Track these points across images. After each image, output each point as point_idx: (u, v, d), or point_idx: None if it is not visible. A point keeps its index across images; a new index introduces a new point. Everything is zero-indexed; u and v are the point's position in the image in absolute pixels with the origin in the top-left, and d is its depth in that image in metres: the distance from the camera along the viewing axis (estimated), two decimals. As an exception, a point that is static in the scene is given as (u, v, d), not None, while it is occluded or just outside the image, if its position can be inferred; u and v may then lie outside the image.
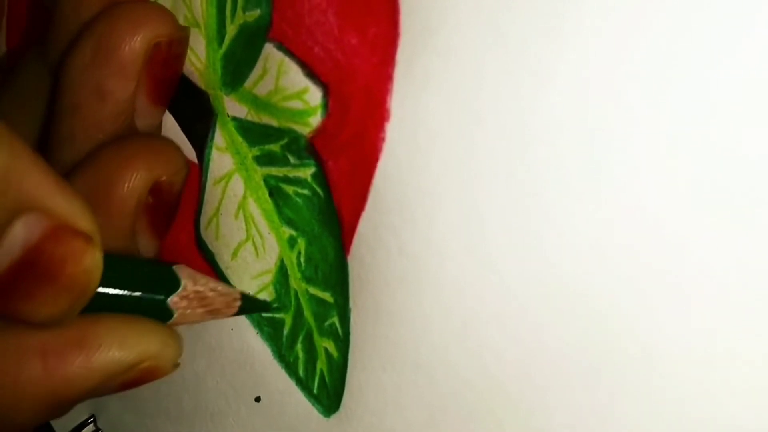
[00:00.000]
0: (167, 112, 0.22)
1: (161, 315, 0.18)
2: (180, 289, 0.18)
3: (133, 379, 0.17)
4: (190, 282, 0.18)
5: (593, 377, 0.16)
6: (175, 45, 0.19)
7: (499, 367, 0.17)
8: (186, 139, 0.22)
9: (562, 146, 0.15)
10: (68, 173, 0.18)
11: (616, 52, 0.14)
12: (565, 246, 0.15)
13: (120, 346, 0.16)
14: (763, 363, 0.14)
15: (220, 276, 0.22)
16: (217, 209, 0.22)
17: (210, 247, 0.22)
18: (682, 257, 0.14)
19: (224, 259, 0.22)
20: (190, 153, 0.22)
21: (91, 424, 0.26)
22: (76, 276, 0.15)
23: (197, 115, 0.22)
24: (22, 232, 0.14)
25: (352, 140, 0.18)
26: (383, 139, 0.18)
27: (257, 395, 0.22)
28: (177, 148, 0.19)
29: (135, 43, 0.17)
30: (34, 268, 0.14)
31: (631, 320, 0.15)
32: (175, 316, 0.18)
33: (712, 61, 0.14)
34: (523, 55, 0.16)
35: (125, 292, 0.17)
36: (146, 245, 0.19)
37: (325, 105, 0.19)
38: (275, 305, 0.21)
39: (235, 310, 0.19)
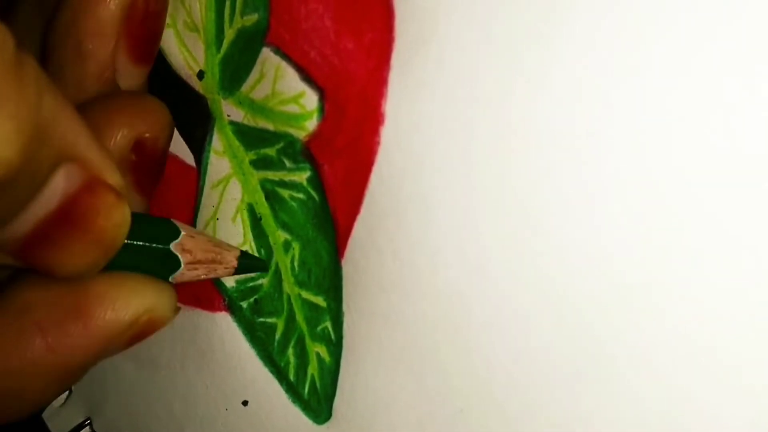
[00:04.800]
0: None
1: (167, 265, 0.18)
2: (180, 236, 0.18)
3: (136, 334, 0.17)
4: (188, 232, 0.18)
5: (581, 383, 0.15)
6: (153, 2, 0.19)
7: (489, 371, 0.17)
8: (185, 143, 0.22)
9: (554, 152, 0.15)
10: None
11: (608, 58, 0.14)
12: (556, 252, 0.15)
13: (115, 307, 0.16)
14: (748, 367, 0.14)
15: (214, 280, 0.22)
16: (215, 213, 0.22)
17: (206, 250, 0.22)
18: (669, 264, 0.14)
19: (220, 263, 0.22)
20: (189, 157, 0.22)
21: (87, 427, 0.26)
22: (107, 229, 0.15)
23: (196, 119, 0.22)
24: (63, 182, 0.14)
25: (347, 144, 0.18)
26: (378, 143, 0.18)
27: (245, 399, 0.21)
28: (161, 105, 0.19)
29: (111, 2, 0.18)
30: (68, 218, 0.14)
31: (619, 326, 0.15)
32: (182, 265, 0.18)
33: (707, 65, 0.13)
34: (517, 61, 0.16)
35: (136, 243, 0.17)
36: (134, 204, 0.19)
37: (321, 109, 0.19)
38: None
39: (234, 264, 0.19)
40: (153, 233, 0.17)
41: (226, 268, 0.19)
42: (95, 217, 0.15)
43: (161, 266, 0.18)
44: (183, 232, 0.18)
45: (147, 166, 0.19)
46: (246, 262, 0.19)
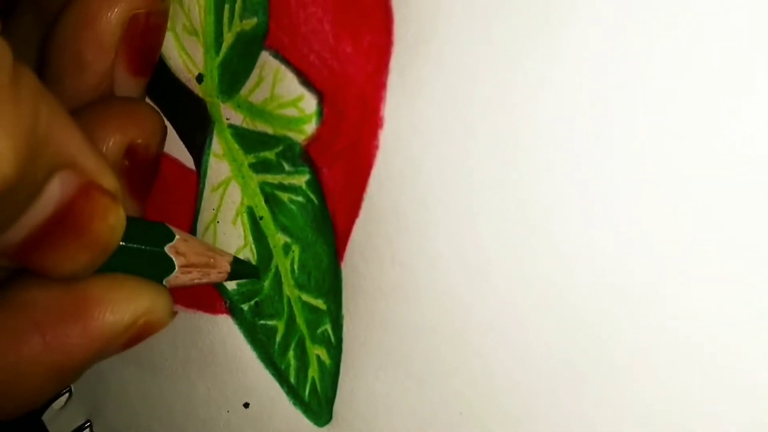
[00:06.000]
0: (165, 119, 0.22)
1: (162, 267, 0.18)
2: (174, 239, 0.18)
3: (134, 336, 0.17)
4: (182, 236, 0.18)
5: (582, 385, 0.16)
6: (153, 17, 0.19)
7: (489, 375, 0.17)
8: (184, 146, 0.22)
9: (554, 154, 0.15)
10: None
11: (608, 58, 0.14)
12: (556, 255, 0.15)
13: (113, 310, 0.16)
14: (749, 367, 0.14)
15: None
16: (215, 216, 0.22)
17: (206, 253, 0.22)
18: (670, 265, 0.14)
19: (220, 266, 0.22)
20: (189, 160, 0.22)
21: (87, 430, 0.26)
22: (102, 232, 0.15)
23: (195, 122, 0.22)
24: (58, 189, 0.14)
25: (346, 148, 0.19)
26: (377, 147, 0.18)
27: (247, 402, 0.22)
28: (153, 111, 0.19)
29: (112, 15, 0.18)
30: (64, 222, 0.15)
31: (619, 329, 0.15)
32: (177, 267, 0.18)
33: (708, 65, 0.14)
34: (516, 64, 0.16)
35: (131, 245, 0.17)
36: (128, 209, 0.19)
37: (320, 113, 0.19)
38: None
39: (227, 268, 0.19)
40: (148, 236, 0.18)
41: (219, 272, 0.19)
42: (90, 221, 0.15)
43: (156, 269, 0.18)
44: (177, 236, 0.18)
45: (140, 172, 0.19)
46: (239, 268, 0.19)
